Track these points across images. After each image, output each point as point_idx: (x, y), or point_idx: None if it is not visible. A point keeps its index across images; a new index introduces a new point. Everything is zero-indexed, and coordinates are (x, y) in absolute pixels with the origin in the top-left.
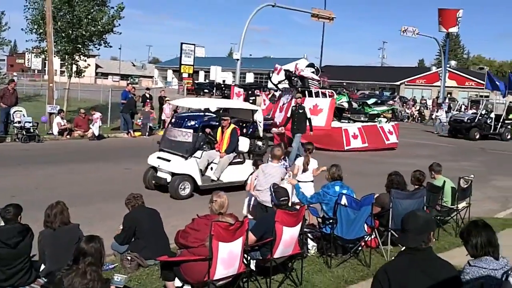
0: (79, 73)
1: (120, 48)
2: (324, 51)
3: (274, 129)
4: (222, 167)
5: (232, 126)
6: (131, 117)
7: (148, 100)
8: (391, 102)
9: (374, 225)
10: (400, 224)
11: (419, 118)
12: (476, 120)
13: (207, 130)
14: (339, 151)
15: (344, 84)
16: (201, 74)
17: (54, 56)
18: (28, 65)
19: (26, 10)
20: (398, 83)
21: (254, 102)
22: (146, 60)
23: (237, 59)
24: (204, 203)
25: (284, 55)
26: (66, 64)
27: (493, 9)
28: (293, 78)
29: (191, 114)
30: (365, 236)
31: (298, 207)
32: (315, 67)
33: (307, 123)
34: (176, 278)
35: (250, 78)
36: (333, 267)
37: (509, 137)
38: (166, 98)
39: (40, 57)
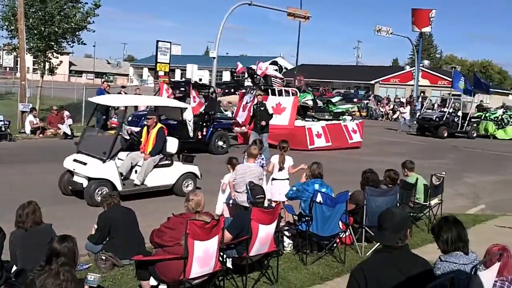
0: (52, 70)
1: (94, 46)
2: (300, 50)
3: (236, 129)
4: (146, 170)
5: (159, 125)
6: (107, 115)
7: None
8: (356, 99)
9: (349, 222)
10: (377, 222)
11: (393, 117)
12: (444, 119)
13: (129, 129)
14: (303, 150)
15: (320, 89)
16: (178, 72)
17: (26, 53)
18: None
19: None
20: (372, 82)
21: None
22: (121, 58)
23: (214, 58)
24: (180, 204)
25: (261, 53)
26: (39, 61)
27: (465, 10)
28: (255, 76)
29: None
30: (340, 233)
31: (274, 204)
32: (278, 65)
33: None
34: (152, 277)
35: (226, 76)
36: (309, 264)
37: (475, 135)
38: None
39: (12, 54)
